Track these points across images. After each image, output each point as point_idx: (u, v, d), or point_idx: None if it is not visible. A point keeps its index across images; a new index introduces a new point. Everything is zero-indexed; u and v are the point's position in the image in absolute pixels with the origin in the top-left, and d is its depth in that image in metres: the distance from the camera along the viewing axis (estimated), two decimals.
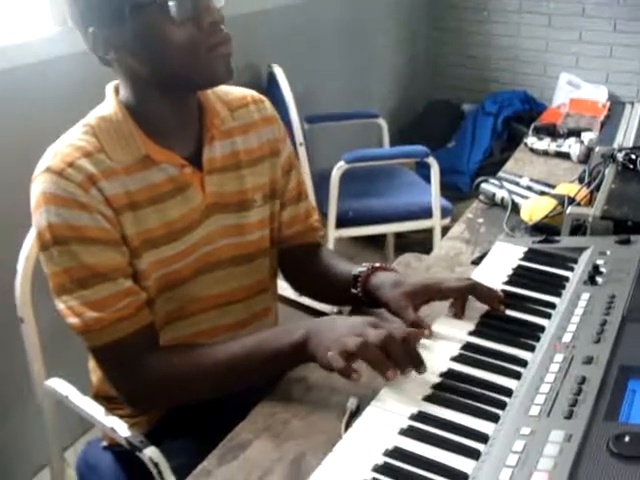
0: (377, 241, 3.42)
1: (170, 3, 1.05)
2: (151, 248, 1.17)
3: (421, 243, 3.03)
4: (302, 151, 2.63)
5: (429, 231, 2.76)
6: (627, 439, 0.75)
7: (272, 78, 2.78)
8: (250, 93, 1.35)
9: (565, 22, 4.15)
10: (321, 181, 2.72)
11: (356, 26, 3.73)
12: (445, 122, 4.24)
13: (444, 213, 2.71)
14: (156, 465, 1.16)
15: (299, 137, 2.62)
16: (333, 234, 2.69)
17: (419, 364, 0.96)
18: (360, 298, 1.22)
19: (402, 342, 0.96)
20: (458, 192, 3.68)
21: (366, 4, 3.78)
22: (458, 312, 1.10)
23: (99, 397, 1.33)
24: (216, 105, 1.26)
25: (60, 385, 1.37)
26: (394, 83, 4.27)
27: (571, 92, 3.96)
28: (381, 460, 0.83)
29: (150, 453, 1.16)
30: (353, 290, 1.22)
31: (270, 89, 2.77)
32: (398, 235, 3.41)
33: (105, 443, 1.37)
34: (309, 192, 2.71)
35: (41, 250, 1.13)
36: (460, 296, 1.11)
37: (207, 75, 1.13)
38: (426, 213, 2.72)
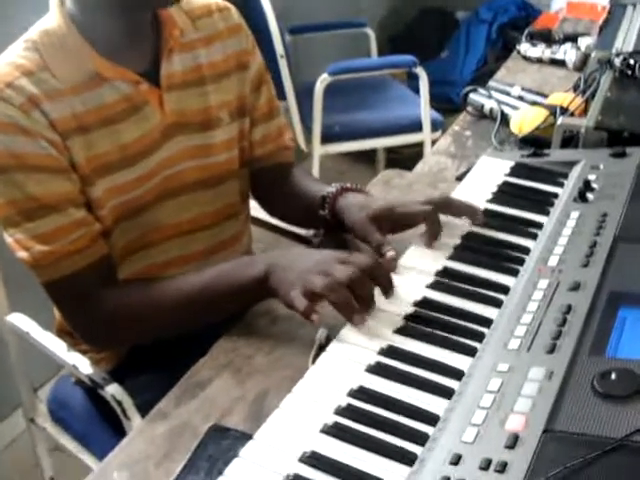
0: (368, 157, 3.32)
1: None
2: (105, 174, 1.07)
3: (413, 158, 2.92)
4: (283, 64, 2.49)
5: (421, 145, 2.65)
6: (613, 377, 0.68)
7: None
8: (214, 1, 1.23)
9: None
10: (306, 95, 2.60)
11: None
12: (437, 31, 4.05)
13: (435, 126, 2.61)
14: (119, 403, 1.10)
15: (279, 49, 2.48)
16: (318, 150, 2.59)
17: (388, 289, 0.90)
18: (329, 221, 1.13)
19: (373, 270, 0.88)
20: (451, 104, 3.53)
21: None
22: (430, 238, 1.01)
23: (63, 332, 1.26)
24: (175, 15, 1.14)
25: (21, 320, 1.30)
26: None
27: None
28: (345, 401, 0.75)
29: (112, 391, 1.11)
30: (321, 212, 1.13)
31: None
32: (389, 150, 3.31)
33: (74, 379, 1.31)
34: (292, 107, 2.63)
35: None
36: (430, 219, 1.01)
37: None
38: (416, 126, 2.61)
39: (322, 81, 2.49)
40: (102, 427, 1.26)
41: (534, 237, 1.00)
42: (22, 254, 1.04)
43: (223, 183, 1.22)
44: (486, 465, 0.62)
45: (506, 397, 0.70)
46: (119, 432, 1.14)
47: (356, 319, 0.86)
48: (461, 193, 1.14)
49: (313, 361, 0.88)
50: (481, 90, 1.68)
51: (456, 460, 0.64)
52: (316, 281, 0.88)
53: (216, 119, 1.19)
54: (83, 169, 1.05)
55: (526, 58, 2.01)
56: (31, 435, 1.47)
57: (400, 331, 0.85)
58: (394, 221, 1.03)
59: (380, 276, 0.90)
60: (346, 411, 0.74)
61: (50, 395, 1.40)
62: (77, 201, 1.05)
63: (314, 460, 0.69)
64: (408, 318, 0.87)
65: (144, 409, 1.02)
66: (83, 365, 1.14)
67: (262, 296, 0.99)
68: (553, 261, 0.91)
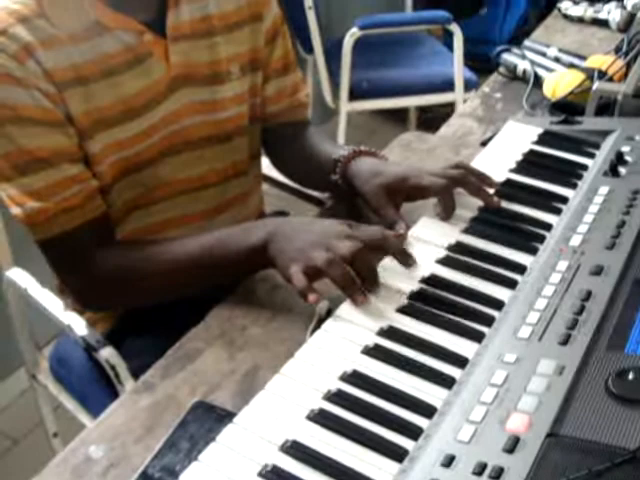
0: (399, 116, 3.22)
1: None
2: (104, 129, 1.01)
3: (446, 118, 2.83)
4: (311, 16, 2.39)
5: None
6: (631, 377, 0.61)
7: None
8: None
9: None
10: (335, 50, 2.51)
11: None
12: None
13: (468, 85, 2.49)
14: (113, 367, 1.05)
15: (308, 0, 2.38)
16: (345, 107, 2.51)
17: (405, 258, 0.84)
18: (340, 186, 1.06)
19: (380, 245, 0.82)
20: (488, 64, 3.41)
21: None
22: (442, 212, 0.94)
23: (63, 291, 1.22)
24: None
25: (20, 276, 1.25)
26: None
27: None
28: (335, 386, 0.70)
29: (106, 354, 1.06)
30: (333, 176, 1.06)
31: None
32: (422, 109, 3.20)
33: None
34: (320, 62, 2.54)
35: None
36: (444, 195, 0.94)
37: None
38: (449, 85, 2.51)
39: (351, 35, 2.40)
40: (100, 388, 1.21)
41: (558, 212, 0.93)
42: (15, 210, 0.99)
43: (231, 140, 1.15)
44: (480, 470, 0.56)
45: (510, 392, 0.64)
46: (116, 394, 1.10)
47: (358, 298, 0.80)
48: (483, 161, 1.07)
49: (311, 335, 0.82)
50: (515, 50, 1.58)
51: (448, 462, 0.58)
52: (317, 257, 0.82)
53: (225, 73, 1.12)
54: (81, 122, 0.99)
55: (567, 17, 1.89)
56: (34, 392, 1.44)
57: (403, 310, 0.79)
58: (406, 192, 0.97)
59: (389, 248, 0.84)
60: (336, 397, 0.68)
61: (52, 352, 1.37)
62: (73, 156, 0.99)
63: (295, 450, 0.63)
64: (413, 296, 0.81)
65: (140, 374, 0.98)
66: (78, 326, 1.10)
67: (261, 265, 0.93)
68: (576, 240, 0.84)
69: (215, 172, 1.16)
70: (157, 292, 1.02)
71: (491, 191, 0.97)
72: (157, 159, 1.08)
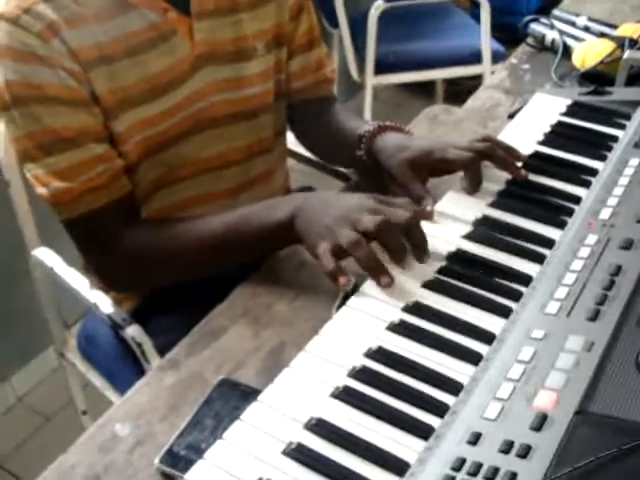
0: (426, 89, 3.18)
1: None
2: (129, 108, 1.01)
3: (474, 91, 2.78)
4: None
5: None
6: None
7: None
8: None
9: None
10: (360, 23, 2.48)
11: None
12: None
13: (496, 57, 2.45)
14: (139, 345, 1.06)
15: None
16: (371, 81, 2.48)
17: (423, 252, 0.82)
18: (366, 162, 1.05)
19: (404, 227, 0.81)
20: (516, 35, 3.35)
21: None
22: (469, 186, 0.93)
23: (90, 270, 1.22)
24: None
25: (47, 255, 1.26)
26: None
27: None
28: (360, 363, 0.69)
29: (132, 332, 1.06)
30: (358, 152, 1.05)
31: None
32: (450, 82, 3.16)
33: None
34: (345, 35, 2.51)
35: (2, 111, 0.98)
36: (470, 168, 0.93)
37: None
38: (476, 58, 2.47)
39: (377, 7, 2.36)
40: (127, 365, 1.22)
41: (587, 185, 0.91)
42: (41, 190, 0.99)
43: (256, 117, 1.14)
44: (507, 448, 0.56)
45: (538, 369, 0.62)
46: (143, 372, 1.10)
47: (383, 280, 0.79)
48: (511, 133, 1.05)
49: (337, 312, 0.81)
50: (543, 20, 1.54)
51: (474, 439, 0.57)
52: (343, 235, 0.81)
53: (251, 49, 1.10)
54: (106, 102, 0.99)
55: None
56: (63, 370, 1.45)
57: (429, 286, 0.78)
58: (432, 166, 0.95)
59: (415, 234, 0.83)
60: (360, 374, 0.68)
61: (80, 330, 1.37)
62: (98, 136, 0.99)
63: (320, 428, 0.63)
64: (439, 271, 0.80)
65: (166, 351, 0.98)
66: (104, 304, 1.10)
67: (288, 241, 0.93)
68: (605, 214, 0.82)
69: (239, 150, 1.15)
70: (185, 270, 1.02)
71: (519, 164, 0.95)
72: (181, 138, 1.07)
